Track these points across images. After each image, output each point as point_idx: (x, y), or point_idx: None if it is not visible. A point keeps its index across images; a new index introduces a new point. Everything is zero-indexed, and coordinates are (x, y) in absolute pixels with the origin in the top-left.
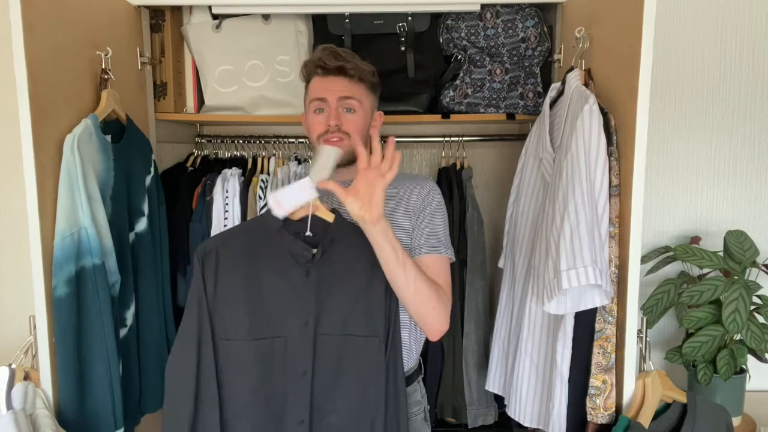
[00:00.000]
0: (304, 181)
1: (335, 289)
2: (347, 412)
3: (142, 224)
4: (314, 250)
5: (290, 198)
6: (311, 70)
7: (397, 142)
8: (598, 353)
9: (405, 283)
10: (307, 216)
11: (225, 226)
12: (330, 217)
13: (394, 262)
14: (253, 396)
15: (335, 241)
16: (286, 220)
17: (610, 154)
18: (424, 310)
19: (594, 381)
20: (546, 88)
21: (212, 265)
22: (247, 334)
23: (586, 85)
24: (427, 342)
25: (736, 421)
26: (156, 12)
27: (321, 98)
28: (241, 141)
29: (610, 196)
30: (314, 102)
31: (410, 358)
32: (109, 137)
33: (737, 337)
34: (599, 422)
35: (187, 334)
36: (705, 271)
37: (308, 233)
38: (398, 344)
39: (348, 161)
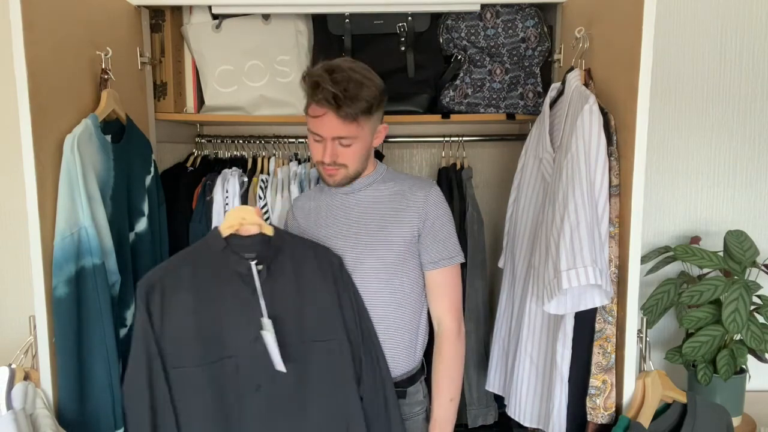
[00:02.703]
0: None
1: (284, 299)
2: (320, 416)
3: (142, 224)
4: (259, 267)
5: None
6: (307, 91)
7: (398, 142)
8: (598, 353)
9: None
10: (251, 234)
11: None
12: (269, 231)
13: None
14: (207, 419)
15: (279, 253)
16: (230, 237)
17: (610, 154)
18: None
19: (594, 381)
20: (546, 88)
21: (157, 298)
22: (199, 360)
23: (586, 85)
24: (429, 342)
25: (736, 421)
26: (156, 12)
27: (317, 133)
28: (241, 141)
29: (610, 196)
30: (311, 132)
31: (413, 359)
32: (109, 137)
33: (737, 337)
34: (599, 422)
35: (136, 366)
36: (705, 271)
37: (250, 254)
38: (373, 344)
39: (348, 182)
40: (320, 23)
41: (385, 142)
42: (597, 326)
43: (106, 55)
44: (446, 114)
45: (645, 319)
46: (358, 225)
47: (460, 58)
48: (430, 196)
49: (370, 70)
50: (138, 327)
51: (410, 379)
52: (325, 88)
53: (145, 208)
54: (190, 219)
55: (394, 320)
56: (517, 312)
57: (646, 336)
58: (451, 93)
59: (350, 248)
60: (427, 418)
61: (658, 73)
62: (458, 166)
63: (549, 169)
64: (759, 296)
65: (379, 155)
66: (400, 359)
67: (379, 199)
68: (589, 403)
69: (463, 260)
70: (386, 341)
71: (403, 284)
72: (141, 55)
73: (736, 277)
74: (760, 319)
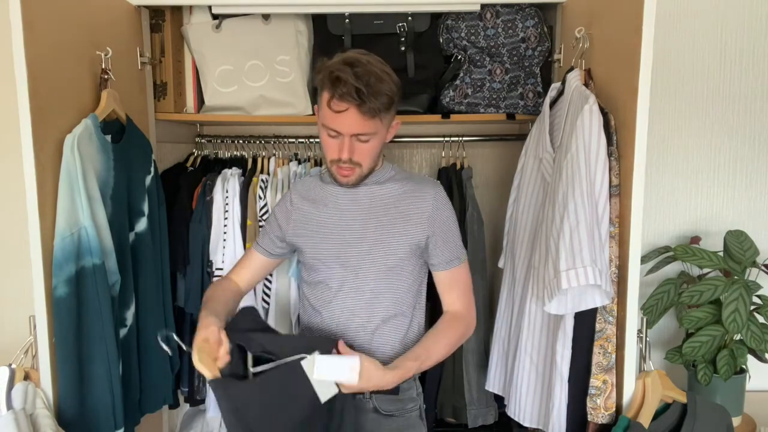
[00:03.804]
0: (355, 362)
1: None
2: None
3: (142, 224)
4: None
5: (331, 369)
6: (325, 84)
7: (397, 142)
8: (599, 353)
9: (439, 360)
10: None
11: (225, 226)
12: None
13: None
14: None
15: None
16: None
17: (610, 154)
18: (455, 347)
19: (594, 381)
20: (546, 88)
21: None
22: None
23: (586, 85)
24: None
25: (736, 421)
26: (156, 12)
27: (335, 129)
28: (241, 141)
29: (610, 196)
30: (328, 128)
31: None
32: (109, 137)
33: (737, 337)
34: (599, 422)
35: None
36: (705, 271)
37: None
38: None
39: (360, 181)
40: (320, 23)
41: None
42: (597, 326)
43: (106, 55)
44: (446, 114)
45: (645, 319)
46: (365, 221)
47: (460, 58)
48: (438, 196)
49: (384, 63)
50: None
51: None
52: (347, 82)
53: (145, 208)
54: (190, 219)
55: (391, 315)
56: (517, 312)
57: (646, 336)
58: (451, 93)
59: (355, 243)
60: (421, 415)
61: (658, 73)
62: (458, 166)
63: (549, 169)
64: (759, 296)
65: None
66: (395, 354)
67: (386, 196)
68: (589, 403)
69: (466, 256)
70: (382, 335)
71: (403, 281)
72: (141, 55)
73: (736, 277)
74: (760, 319)
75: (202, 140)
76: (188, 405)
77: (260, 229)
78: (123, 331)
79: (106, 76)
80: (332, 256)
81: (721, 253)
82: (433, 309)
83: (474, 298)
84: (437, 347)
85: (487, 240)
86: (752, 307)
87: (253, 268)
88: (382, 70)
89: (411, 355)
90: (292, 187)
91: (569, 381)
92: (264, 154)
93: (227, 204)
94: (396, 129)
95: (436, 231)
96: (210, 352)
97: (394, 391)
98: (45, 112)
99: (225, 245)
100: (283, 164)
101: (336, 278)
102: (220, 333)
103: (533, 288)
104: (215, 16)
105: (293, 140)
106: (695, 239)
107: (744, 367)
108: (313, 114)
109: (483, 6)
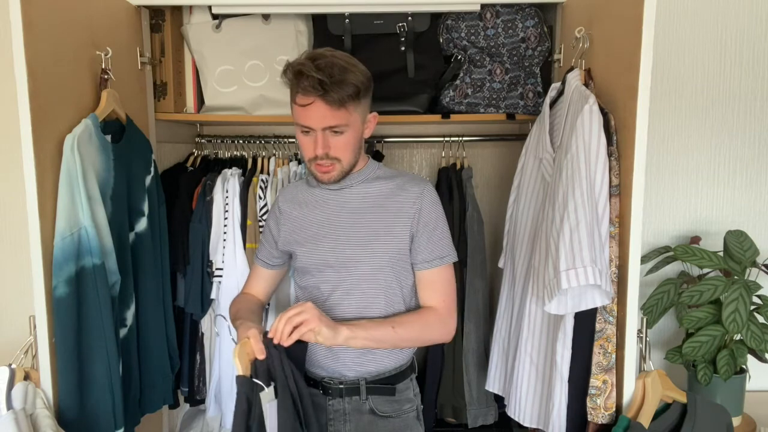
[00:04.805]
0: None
1: None
2: None
3: (142, 224)
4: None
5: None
6: (291, 81)
7: (398, 142)
8: (599, 353)
9: (398, 344)
10: None
11: (225, 226)
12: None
13: (377, 345)
14: None
15: None
16: None
17: (610, 154)
18: (423, 342)
19: (594, 381)
20: (546, 88)
21: None
22: None
23: (586, 85)
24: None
25: (736, 421)
26: (156, 12)
27: (306, 125)
28: (241, 141)
29: (610, 196)
30: (300, 125)
31: (403, 354)
32: (109, 137)
33: (737, 337)
34: (599, 422)
35: None
36: (705, 271)
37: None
38: None
39: (342, 178)
40: (320, 23)
41: (385, 142)
42: (597, 326)
43: (106, 55)
44: (446, 114)
45: (645, 319)
46: (353, 222)
47: (460, 58)
48: (424, 193)
49: (352, 57)
50: None
51: (401, 375)
52: (309, 75)
53: (145, 208)
54: (190, 219)
55: (383, 318)
56: (517, 312)
57: (646, 336)
58: (451, 93)
59: (344, 246)
60: (418, 416)
61: (658, 73)
62: (458, 166)
63: (549, 169)
64: (759, 296)
65: (379, 155)
66: (390, 353)
67: (372, 195)
68: (589, 403)
69: (456, 259)
70: None
71: (394, 282)
72: (141, 55)
73: (736, 277)
74: (760, 319)
75: (202, 140)
76: (188, 405)
77: (260, 237)
78: (123, 331)
79: (106, 76)
80: (322, 259)
81: (721, 253)
82: None
83: (455, 302)
84: (408, 323)
85: (487, 240)
86: (752, 307)
87: (263, 280)
88: (347, 62)
89: (378, 322)
90: (279, 194)
91: (569, 381)
92: (264, 154)
93: (227, 204)
94: (374, 123)
95: (420, 228)
96: (249, 352)
97: (389, 392)
98: (45, 112)
99: (225, 245)
100: (283, 164)
101: (327, 281)
102: (260, 336)
103: (533, 288)
104: (215, 16)
105: (293, 140)
106: (695, 239)
107: (744, 367)
108: None
109: (483, 6)
